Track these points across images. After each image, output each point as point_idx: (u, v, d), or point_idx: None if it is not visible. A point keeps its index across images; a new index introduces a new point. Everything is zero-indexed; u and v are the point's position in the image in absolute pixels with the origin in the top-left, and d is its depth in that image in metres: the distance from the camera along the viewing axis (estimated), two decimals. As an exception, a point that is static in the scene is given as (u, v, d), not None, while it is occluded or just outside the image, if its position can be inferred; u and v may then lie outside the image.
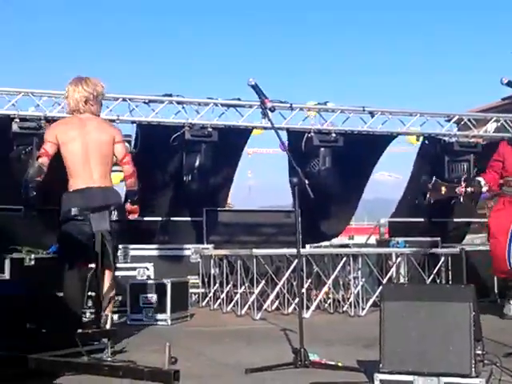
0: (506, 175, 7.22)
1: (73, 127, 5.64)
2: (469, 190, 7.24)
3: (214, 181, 10.03)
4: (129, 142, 9.16)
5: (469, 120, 10.59)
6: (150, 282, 7.60)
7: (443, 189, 7.00)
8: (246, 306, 8.00)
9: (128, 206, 5.81)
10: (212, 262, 8.80)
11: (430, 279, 8.67)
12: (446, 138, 10.42)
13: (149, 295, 7.23)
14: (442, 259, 8.80)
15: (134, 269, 8.35)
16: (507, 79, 5.55)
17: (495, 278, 8.69)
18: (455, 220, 11.07)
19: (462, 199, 7.25)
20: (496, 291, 9.20)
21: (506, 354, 4.80)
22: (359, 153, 10.25)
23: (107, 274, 5.46)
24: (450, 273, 8.85)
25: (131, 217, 5.85)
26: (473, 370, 3.84)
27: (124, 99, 9.04)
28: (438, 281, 8.73)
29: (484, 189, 7.34)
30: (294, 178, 5.12)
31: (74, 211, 5.34)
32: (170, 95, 9.26)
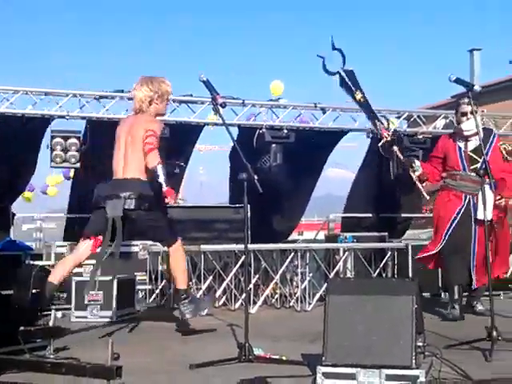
0: (449, 168, 7.16)
1: (121, 128, 6.07)
2: (395, 148, 7.12)
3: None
4: (78, 138, 9.08)
5: (418, 117, 10.72)
6: (95, 279, 7.47)
7: (358, 94, 6.90)
8: (193, 302, 7.97)
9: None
10: (160, 258, 8.76)
11: (376, 273, 8.77)
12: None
13: (94, 292, 7.15)
14: (389, 254, 8.90)
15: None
16: (455, 76, 5.60)
17: (439, 273, 8.82)
18: (403, 215, 11.20)
19: (381, 142, 7.08)
20: (440, 285, 9.34)
21: (446, 345, 4.90)
22: (310, 149, 10.31)
23: (171, 252, 5.96)
24: (395, 267, 8.95)
25: (167, 200, 5.73)
26: (413, 361, 3.91)
27: (74, 95, 8.94)
28: (384, 275, 8.82)
29: (417, 172, 7.24)
30: (243, 174, 5.12)
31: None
32: (122, 91, 9.17)
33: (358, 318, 4.11)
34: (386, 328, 4.04)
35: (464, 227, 6.92)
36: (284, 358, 4.67)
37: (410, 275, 8.50)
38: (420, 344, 4.12)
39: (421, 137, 10.49)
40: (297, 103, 9.93)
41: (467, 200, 7.00)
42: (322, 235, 11.12)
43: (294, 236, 12.25)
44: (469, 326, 6.09)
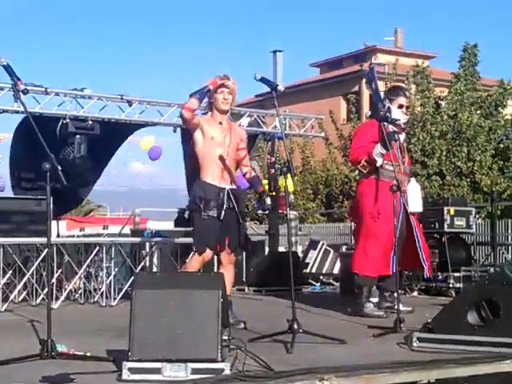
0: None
1: None
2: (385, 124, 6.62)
3: None
4: None
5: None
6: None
7: (373, 84, 6.88)
8: (-9, 298, 7.65)
9: None
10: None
11: (182, 268, 8.80)
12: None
13: None
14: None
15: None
16: (260, 75, 5.72)
17: (244, 267, 9.04)
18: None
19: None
20: (244, 280, 9.58)
21: (250, 339, 5.02)
22: (115, 141, 10.21)
23: None
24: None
25: None
26: (219, 354, 3.97)
27: None
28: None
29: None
30: (46, 164, 4.94)
31: None
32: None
33: (164, 313, 4.11)
34: (192, 322, 4.07)
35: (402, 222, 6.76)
36: (88, 354, 4.57)
37: (216, 270, 8.61)
38: (225, 337, 4.20)
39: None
40: (102, 94, 9.74)
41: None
42: (127, 229, 11.00)
43: (98, 230, 12.05)
44: (273, 319, 6.23)
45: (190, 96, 5.97)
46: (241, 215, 6.09)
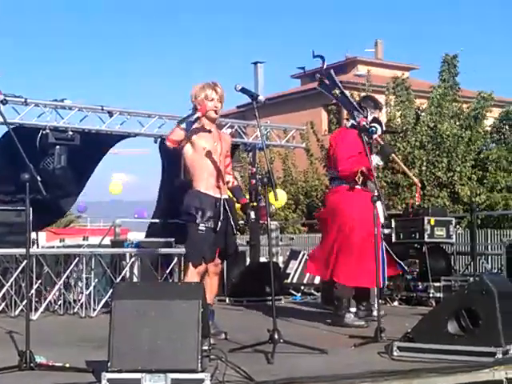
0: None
1: None
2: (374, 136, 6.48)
3: None
4: None
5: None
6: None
7: (336, 90, 6.75)
8: (-31, 310, 7.59)
9: None
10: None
11: (163, 278, 8.78)
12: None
13: None
14: (175, 259, 8.94)
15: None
16: (241, 86, 5.71)
17: (225, 277, 9.02)
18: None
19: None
20: (225, 290, 9.55)
21: (230, 349, 5.01)
22: (96, 152, 10.17)
23: None
24: (182, 273, 9.02)
25: None
26: (199, 365, 3.95)
27: None
28: (171, 280, 8.86)
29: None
30: (25, 175, 4.91)
31: None
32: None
33: (143, 323, 4.09)
34: (172, 332, 4.05)
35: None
36: (67, 365, 4.54)
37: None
38: (206, 348, 4.19)
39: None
40: (83, 105, 9.69)
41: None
42: (108, 240, 10.95)
43: (78, 240, 11.99)
44: (254, 329, 6.22)
45: (178, 123, 5.84)
46: (234, 226, 6.01)
